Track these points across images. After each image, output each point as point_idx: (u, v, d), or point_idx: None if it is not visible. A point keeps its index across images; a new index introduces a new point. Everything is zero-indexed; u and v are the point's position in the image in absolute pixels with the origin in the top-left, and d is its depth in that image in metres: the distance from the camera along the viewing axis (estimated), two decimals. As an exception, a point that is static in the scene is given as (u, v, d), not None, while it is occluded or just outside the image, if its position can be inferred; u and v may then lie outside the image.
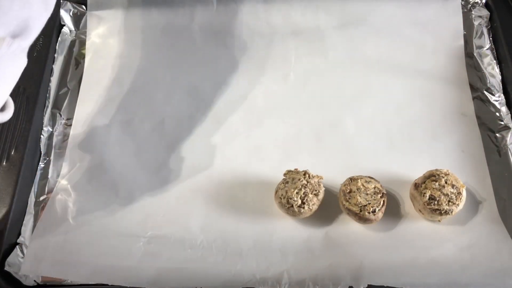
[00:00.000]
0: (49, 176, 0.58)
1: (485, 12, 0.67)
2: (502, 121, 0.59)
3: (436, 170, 0.52)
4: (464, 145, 0.57)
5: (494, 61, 0.63)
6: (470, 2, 0.68)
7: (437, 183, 0.51)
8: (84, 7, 0.70)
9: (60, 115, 0.62)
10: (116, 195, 0.56)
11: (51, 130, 0.61)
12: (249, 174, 0.57)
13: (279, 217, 0.54)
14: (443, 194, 0.50)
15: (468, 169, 0.56)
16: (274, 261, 0.51)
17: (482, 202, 0.54)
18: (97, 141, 0.60)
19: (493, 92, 0.61)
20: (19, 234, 0.54)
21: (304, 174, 0.52)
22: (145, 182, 0.57)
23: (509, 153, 0.57)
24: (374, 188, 0.52)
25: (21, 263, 0.52)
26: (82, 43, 0.68)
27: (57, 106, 0.63)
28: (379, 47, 0.65)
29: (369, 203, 0.50)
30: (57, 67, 0.66)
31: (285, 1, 0.68)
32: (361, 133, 0.59)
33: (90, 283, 0.51)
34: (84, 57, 0.67)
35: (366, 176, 0.53)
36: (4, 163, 0.57)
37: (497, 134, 0.58)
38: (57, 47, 0.67)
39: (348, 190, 0.52)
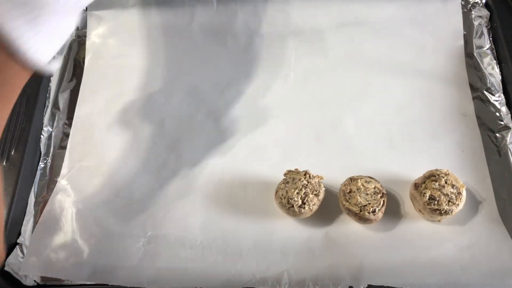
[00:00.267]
0: (49, 176, 0.58)
1: (485, 12, 0.67)
2: (502, 121, 0.59)
3: (436, 170, 0.52)
4: (464, 145, 0.57)
5: (494, 61, 0.63)
6: (470, 2, 0.68)
7: (437, 183, 0.51)
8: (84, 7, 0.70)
9: (60, 115, 0.63)
10: (116, 195, 0.56)
11: (51, 130, 0.61)
12: (249, 174, 0.57)
13: (279, 217, 0.54)
14: (443, 194, 0.50)
15: (468, 169, 0.56)
16: (274, 261, 0.51)
17: (482, 202, 0.54)
18: (97, 141, 0.60)
19: (493, 92, 0.61)
20: (19, 234, 0.54)
21: (305, 174, 0.52)
22: (145, 182, 0.57)
23: (509, 153, 0.57)
24: (374, 188, 0.52)
25: (21, 263, 0.52)
26: (82, 43, 0.68)
27: (57, 106, 0.63)
28: (379, 47, 0.65)
29: (369, 203, 0.50)
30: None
31: (285, 1, 0.68)
32: (361, 133, 0.59)
33: (90, 283, 0.51)
34: (84, 57, 0.67)
35: (366, 176, 0.53)
36: (4, 163, 0.57)
37: (497, 134, 0.58)
38: (57, 47, 0.67)
39: (348, 190, 0.52)
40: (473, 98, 0.61)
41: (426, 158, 0.56)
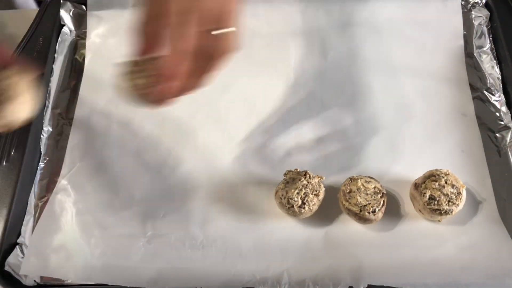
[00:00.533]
0: (49, 176, 0.58)
1: (485, 12, 0.67)
2: (502, 121, 0.59)
3: (436, 170, 0.52)
4: (464, 145, 0.57)
5: (494, 61, 0.63)
6: (470, 2, 0.68)
7: (437, 183, 0.51)
8: (84, 7, 0.70)
9: (60, 115, 0.63)
10: (116, 195, 0.56)
11: (51, 130, 0.61)
12: (249, 174, 0.57)
13: (279, 217, 0.54)
14: (443, 194, 0.50)
15: (468, 169, 0.56)
16: (274, 261, 0.51)
17: (482, 202, 0.54)
18: (97, 141, 0.60)
19: (493, 92, 0.61)
20: (19, 234, 0.54)
21: (305, 175, 0.52)
22: (145, 182, 0.57)
23: (509, 153, 0.57)
24: (374, 188, 0.52)
25: (21, 263, 0.52)
26: (82, 43, 0.68)
27: (57, 106, 0.63)
28: (379, 47, 0.65)
29: (369, 203, 0.50)
30: (57, 67, 0.66)
31: (285, 1, 0.68)
32: (361, 133, 0.59)
33: (90, 283, 0.51)
34: (84, 57, 0.67)
35: (366, 176, 0.53)
36: (4, 163, 0.57)
37: (497, 134, 0.58)
38: (57, 47, 0.67)
39: (348, 190, 0.52)
40: (473, 98, 0.61)
41: (426, 158, 0.56)
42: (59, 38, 0.68)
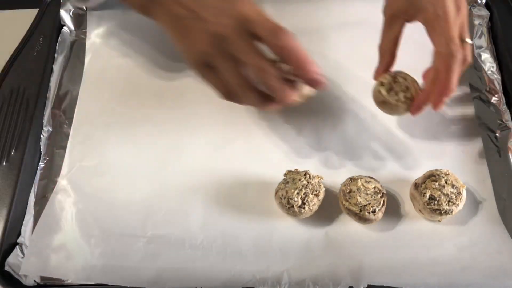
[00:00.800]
0: (49, 176, 0.58)
1: (485, 12, 0.67)
2: (502, 121, 0.59)
3: (436, 170, 0.52)
4: (464, 145, 0.57)
5: (494, 61, 0.63)
6: (470, 2, 0.68)
7: (437, 183, 0.51)
8: (84, 7, 0.70)
9: (60, 115, 0.62)
10: (116, 195, 0.56)
11: (51, 130, 0.61)
12: (249, 174, 0.57)
13: (279, 217, 0.54)
14: (443, 194, 0.50)
15: (468, 169, 0.56)
16: (274, 261, 0.51)
17: (482, 202, 0.54)
18: (97, 141, 0.60)
19: (493, 92, 0.61)
20: (19, 234, 0.54)
21: (305, 175, 0.52)
22: (145, 182, 0.57)
23: (509, 153, 0.57)
24: (374, 188, 0.52)
25: (21, 263, 0.52)
26: (82, 43, 0.68)
27: (57, 106, 0.63)
28: (379, 47, 0.65)
29: (369, 203, 0.50)
30: (57, 67, 0.66)
31: (285, 1, 0.68)
32: (361, 133, 0.59)
33: (90, 283, 0.51)
34: (84, 57, 0.67)
35: (366, 176, 0.53)
36: (4, 163, 0.57)
37: (497, 134, 0.58)
38: (57, 47, 0.67)
39: (348, 190, 0.52)
40: (473, 98, 0.61)
41: (426, 158, 0.57)
42: (59, 38, 0.68)
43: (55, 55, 0.66)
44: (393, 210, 0.54)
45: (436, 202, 0.50)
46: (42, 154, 0.59)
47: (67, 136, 0.60)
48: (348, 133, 0.59)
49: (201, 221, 0.54)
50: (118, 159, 0.58)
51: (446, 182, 0.51)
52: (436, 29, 0.49)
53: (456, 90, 0.61)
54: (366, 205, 0.50)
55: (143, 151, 0.59)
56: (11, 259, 0.52)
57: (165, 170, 0.57)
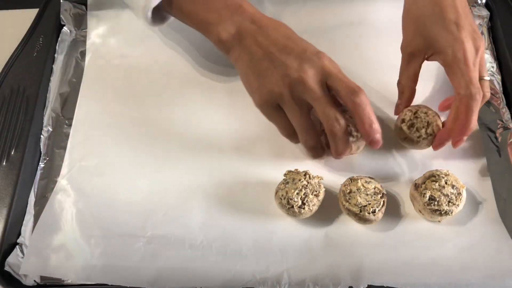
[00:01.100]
0: (49, 176, 0.58)
1: (485, 12, 0.67)
2: (502, 121, 0.59)
3: (436, 170, 0.52)
4: (464, 145, 0.57)
5: (494, 61, 0.63)
6: (470, 2, 0.68)
7: (437, 184, 0.51)
8: (84, 7, 0.70)
9: (60, 115, 0.63)
10: (116, 195, 0.56)
11: (51, 130, 0.61)
12: (249, 174, 0.57)
13: (279, 217, 0.54)
14: (443, 194, 0.50)
15: (468, 169, 0.56)
16: (274, 261, 0.51)
17: (482, 202, 0.54)
18: (97, 141, 0.60)
19: (493, 92, 0.61)
20: (19, 234, 0.54)
21: (305, 175, 0.52)
22: (145, 182, 0.57)
23: (509, 153, 0.57)
24: (374, 188, 0.52)
25: (21, 263, 0.52)
26: (82, 43, 0.68)
27: (57, 106, 0.63)
28: (379, 47, 0.65)
29: (369, 204, 0.50)
30: (57, 67, 0.66)
31: (285, 1, 0.68)
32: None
33: (90, 283, 0.51)
34: (84, 57, 0.67)
35: (366, 176, 0.53)
36: (4, 163, 0.57)
37: (497, 134, 0.58)
38: (57, 47, 0.67)
39: (348, 191, 0.52)
40: (473, 98, 0.61)
41: (426, 158, 0.56)
42: (59, 38, 0.68)
43: (55, 55, 0.66)
44: (393, 211, 0.54)
45: (436, 203, 0.50)
46: (42, 154, 0.59)
47: (67, 136, 0.60)
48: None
49: (201, 221, 0.54)
50: (118, 159, 0.58)
51: (446, 183, 0.51)
52: (456, 72, 0.51)
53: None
54: (366, 206, 0.50)
55: (143, 151, 0.59)
56: (11, 259, 0.52)
57: (165, 170, 0.57)
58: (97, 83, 0.64)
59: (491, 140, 0.58)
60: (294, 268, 0.50)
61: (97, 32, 0.68)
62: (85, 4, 0.70)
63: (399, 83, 0.56)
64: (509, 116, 0.59)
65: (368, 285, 0.49)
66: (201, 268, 0.51)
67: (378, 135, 0.51)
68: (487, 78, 0.53)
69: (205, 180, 0.57)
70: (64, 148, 0.60)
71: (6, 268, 0.52)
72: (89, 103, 0.63)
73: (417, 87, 0.61)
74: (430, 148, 0.57)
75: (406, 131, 0.54)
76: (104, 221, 0.54)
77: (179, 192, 0.56)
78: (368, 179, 0.52)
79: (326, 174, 0.54)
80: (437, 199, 0.50)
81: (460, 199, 0.50)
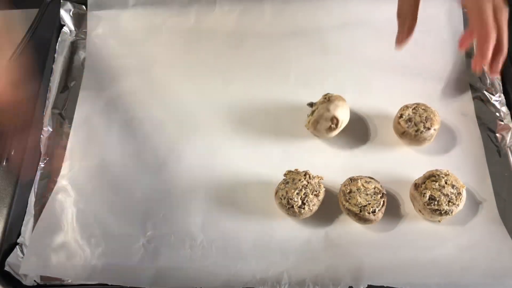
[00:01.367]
0: (49, 176, 0.58)
1: (485, 12, 0.66)
2: (502, 121, 0.59)
3: (436, 170, 0.52)
4: (464, 145, 0.57)
5: (494, 61, 0.63)
6: (470, 2, 0.68)
7: (437, 184, 0.51)
8: (84, 7, 0.70)
9: (60, 115, 0.63)
10: (116, 195, 0.56)
11: (51, 130, 0.61)
12: (249, 174, 0.57)
13: (279, 217, 0.54)
14: (443, 194, 0.50)
15: (468, 169, 0.56)
16: (274, 261, 0.51)
17: (482, 202, 0.54)
18: (97, 141, 0.60)
19: (493, 92, 0.61)
20: (19, 234, 0.54)
21: (305, 175, 0.52)
22: (145, 182, 0.57)
23: (509, 153, 0.57)
24: (374, 188, 0.52)
25: (21, 263, 0.52)
26: (82, 43, 0.68)
27: (57, 106, 0.63)
28: (379, 47, 0.65)
29: (369, 204, 0.50)
30: (57, 67, 0.66)
31: (285, 1, 0.68)
32: (361, 133, 0.59)
33: (90, 283, 0.51)
34: (84, 57, 0.67)
35: (366, 176, 0.53)
36: (4, 163, 0.57)
37: (497, 134, 0.58)
38: (57, 47, 0.67)
39: (348, 191, 0.52)
40: (473, 98, 0.61)
41: (426, 158, 0.57)
42: (59, 38, 0.68)
43: (55, 55, 0.66)
44: (393, 210, 0.54)
45: (436, 203, 0.50)
46: (42, 154, 0.59)
47: (67, 136, 0.60)
48: (348, 133, 0.59)
49: (201, 221, 0.54)
50: (118, 159, 0.58)
51: (446, 183, 0.51)
52: None
53: (456, 90, 0.61)
54: (366, 206, 0.50)
55: (143, 151, 0.59)
56: (11, 259, 0.52)
57: (165, 170, 0.57)
58: (97, 83, 0.64)
59: (491, 140, 0.58)
60: (294, 268, 0.50)
61: (97, 32, 0.68)
62: (85, 4, 0.70)
63: (398, 13, 0.55)
64: (509, 116, 0.59)
65: (368, 285, 0.49)
66: (201, 268, 0.51)
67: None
68: None
69: (205, 180, 0.57)
70: (64, 148, 0.60)
71: (6, 268, 0.52)
72: (89, 103, 0.63)
73: (416, 87, 0.61)
74: (430, 147, 0.57)
75: (404, 126, 0.55)
76: (104, 221, 0.54)
77: (179, 192, 0.56)
78: (368, 179, 0.52)
79: (326, 174, 0.54)
80: (437, 199, 0.50)
81: (460, 199, 0.50)
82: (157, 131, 0.60)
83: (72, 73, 0.66)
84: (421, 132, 0.54)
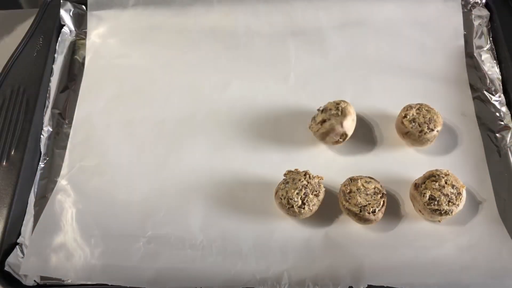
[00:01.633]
0: (49, 176, 0.58)
1: (485, 12, 0.67)
2: (502, 121, 0.59)
3: (436, 170, 0.52)
4: (464, 145, 0.57)
5: (494, 61, 0.63)
6: (470, 2, 0.68)
7: (437, 183, 0.51)
8: (84, 7, 0.70)
9: (60, 115, 0.63)
10: (116, 195, 0.56)
11: (51, 130, 0.61)
12: (249, 174, 0.57)
13: (279, 217, 0.54)
14: (443, 194, 0.50)
15: (468, 169, 0.56)
16: (274, 261, 0.51)
17: (482, 202, 0.54)
18: (97, 141, 0.60)
19: (493, 92, 0.61)
20: (19, 234, 0.54)
21: (305, 175, 0.52)
22: (144, 182, 0.57)
23: (509, 153, 0.57)
24: (374, 188, 0.52)
25: (21, 263, 0.52)
26: (82, 43, 0.68)
27: (57, 106, 0.63)
28: (379, 47, 0.65)
29: (369, 204, 0.50)
30: (57, 67, 0.66)
31: (285, 1, 0.68)
32: (361, 133, 0.59)
33: (90, 283, 0.51)
34: (84, 57, 0.67)
35: (366, 176, 0.53)
36: (4, 163, 0.57)
37: (497, 134, 0.58)
38: (57, 47, 0.67)
39: (348, 191, 0.52)
40: (473, 98, 0.61)
41: (426, 158, 0.57)
42: (59, 38, 0.68)
43: (55, 55, 0.66)
44: (393, 210, 0.54)
45: (436, 203, 0.50)
46: (42, 154, 0.59)
47: (67, 136, 0.60)
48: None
49: (201, 221, 0.54)
50: (118, 159, 0.58)
51: (446, 183, 0.51)
52: None
53: (456, 90, 0.61)
54: (366, 206, 0.50)
55: (143, 151, 0.59)
56: (11, 259, 0.52)
57: (165, 170, 0.57)
58: (97, 83, 0.64)
59: (491, 140, 0.58)
60: (294, 268, 0.50)
61: (97, 32, 0.68)
62: (85, 4, 0.70)
63: None
64: (509, 116, 0.59)
65: (368, 285, 0.49)
66: (201, 268, 0.51)
67: None
68: None
69: (205, 180, 0.57)
70: (64, 148, 0.60)
71: (6, 268, 0.52)
72: (89, 103, 0.63)
73: (416, 87, 0.61)
74: (430, 147, 0.57)
75: (408, 126, 0.55)
76: (104, 221, 0.54)
77: (179, 192, 0.56)
78: (368, 179, 0.52)
79: (326, 174, 0.54)
80: (437, 199, 0.50)
81: (460, 199, 0.50)
82: (157, 131, 0.60)
83: (72, 73, 0.66)
84: (424, 133, 0.54)
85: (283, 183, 0.52)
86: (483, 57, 0.64)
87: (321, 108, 0.57)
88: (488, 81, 0.62)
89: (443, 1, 0.67)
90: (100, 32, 0.68)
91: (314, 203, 0.51)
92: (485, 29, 0.66)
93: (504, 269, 0.49)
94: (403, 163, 0.57)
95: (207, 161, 0.58)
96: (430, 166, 0.53)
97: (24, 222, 0.55)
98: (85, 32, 0.69)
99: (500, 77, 0.62)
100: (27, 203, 0.56)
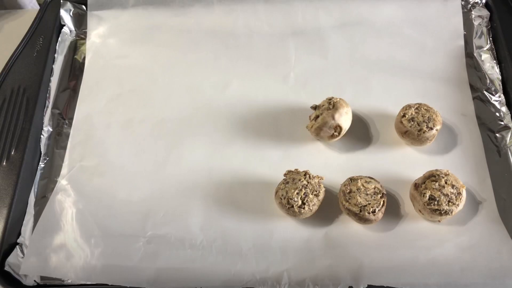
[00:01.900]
0: (49, 176, 0.58)
1: (485, 12, 0.67)
2: (502, 121, 0.59)
3: (436, 170, 0.52)
4: (464, 145, 0.57)
5: (494, 61, 0.63)
6: (470, 2, 0.68)
7: (437, 183, 0.51)
8: (84, 7, 0.70)
9: (60, 115, 0.63)
10: (116, 195, 0.56)
11: (51, 130, 0.61)
12: (249, 174, 0.57)
13: (279, 217, 0.54)
14: (443, 194, 0.50)
15: (468, 169, 0.56)
16: (274, 261, 0.51)
17: (482, 202, 0.54)
18: (97, 141, 0.60)
19: (493, 92, 0.61)
20: (19, 234, 0.54)
21: (305, 175, 0.52)
22: (144, 182, 0.57)
23: (509, 153, 0.57)
24: (374, 188, 0.52)
25: (21, 263, 0.52)
26: (82, 43, 0.68)
27: (57, 106, 0.63)
28: (379, 47, 0.65)
29: (369, 203, 0.50)
30: (57, 67, 0.66)
31: (285, 1, 0.68)
32: (361, 133, 0.59)
33: (90, 283, 0.51)
34: (84, 57, 0.67)
35: (366, 176, 0.53)
36: (4, 163, 0.57)
37: (497, 134, 0.58)
38: (57, 47, 0.67)
39: (348, 190, 0.52)
40: (473, 98, 0.61)
41: (426, 158, 0.57)
42: (59, 38, 0.68)
43: (55, 55, 0.66)
44: (393, 210, 0.54)
45: (436, 202, 0.50)
46: (42, 154, 0.59)
47: (67, 136, 0.61)
48: (348, 133, 0.59)
49: (201, 221, 0.54)
50: (118, 159, 0.58)
51: (446, 183, 0.51)
52: None
53: (456, 90, 0.61)
54: (366, 206, 0.50)
55: (143, 151, 0.59)
56: (11, 259, 0.52)
57: (165, 170, 0.57)
58: (97, 83, 0.64)
59: (491, 140, 0.58)
60: (294, 268, 0.50)
61: (97, 32, 0.68)
62: (85, 4, 0.70)
63: None
64: (509, 116, 0.59)
65: (368, 285, 0.49)
66: (201, 268, 0.51)
67: None
68: None
69: (205, 180, 0.57)
70: (64, 148, 0.60)
71: (6, 268, 0.52)
72: (89, 103, 0.63)
73: (416, 87, 0.61)
74: (430, 147, 0.57)
75: (407, 125, 0.55)
76: (104, 221, 0.54)
77: (179, 192, 0.56)
78: (368, 179, 0.52)
79: (326, 174, 0.54)
80: (437, 199, 0.50)
81: (460, 199, 0.50)
82: (157, 131, 0.60)
83: (72, 73, 0.66)
84: (423, 132, 0.54)
85: (283, 183, 0.52)
86: (483, 57, 0.64)
87: (314, 106, 0.58)
88: (488, 81, 0.62)
89: (443, 1, 0.67)
90: (100, 32, 0.68)
91: (314, 203, 0.51)
92: (485, 29, 0.66)
93: (504, 269, 0.49)
94: (403, 163, 0.57)
95: (207, 161, 0.58)
96: (430, 166, 0.53)
97: (24, 222, 0.55)
98: (85, 32, 0.69)
99: (500, 77, 0.62)
100: (27, 203, 0.56)
